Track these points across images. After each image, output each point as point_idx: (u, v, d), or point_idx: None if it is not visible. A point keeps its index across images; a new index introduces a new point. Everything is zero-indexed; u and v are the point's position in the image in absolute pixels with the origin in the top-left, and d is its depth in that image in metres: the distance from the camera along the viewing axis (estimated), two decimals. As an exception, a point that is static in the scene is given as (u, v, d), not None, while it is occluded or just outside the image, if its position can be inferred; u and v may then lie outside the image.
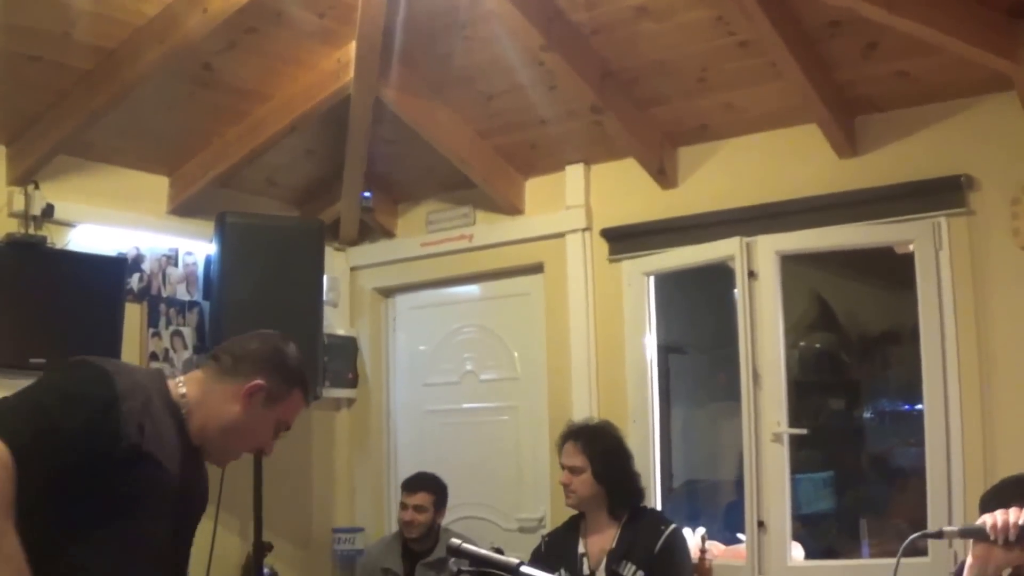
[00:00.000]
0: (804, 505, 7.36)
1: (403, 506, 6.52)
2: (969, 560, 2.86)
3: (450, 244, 7.52)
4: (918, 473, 5.97)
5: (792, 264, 6.24)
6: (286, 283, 6.43)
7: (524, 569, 2.41)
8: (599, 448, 5.46)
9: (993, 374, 5.65)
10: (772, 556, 5.98)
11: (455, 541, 2.47)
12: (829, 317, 8.38)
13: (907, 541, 2.93)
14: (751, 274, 6.17)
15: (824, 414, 8.18)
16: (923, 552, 5.70)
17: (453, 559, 2.47)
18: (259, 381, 3.27)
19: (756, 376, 6.10)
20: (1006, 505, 4.45)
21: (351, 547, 7.41)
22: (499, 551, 2.45)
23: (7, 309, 5.82)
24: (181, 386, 3.20)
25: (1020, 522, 2.76)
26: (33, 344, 5.85)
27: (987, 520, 2.79)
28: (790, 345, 6.28)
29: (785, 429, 6.03)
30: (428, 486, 6.53)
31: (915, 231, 5.87)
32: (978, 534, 2.82)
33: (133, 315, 6.55)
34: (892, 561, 6.23)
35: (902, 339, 7.28)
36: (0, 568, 2.53)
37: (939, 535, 2.85)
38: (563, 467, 5.47)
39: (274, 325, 6.14)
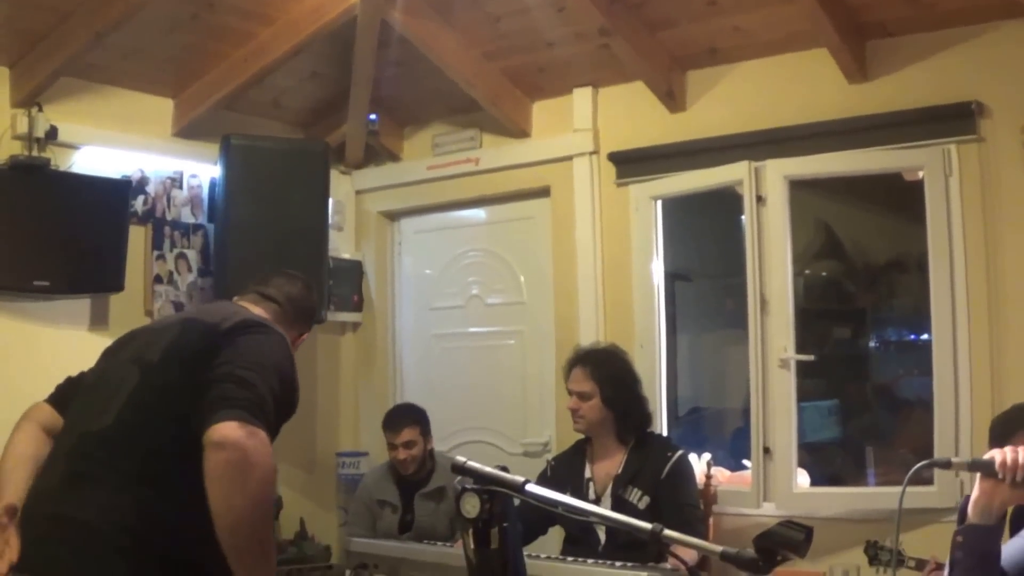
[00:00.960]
0: (809, 433, 7.35)
1: (391, 446, 6.40)
2: (975, 493, 2.84)
3: (456, 167, 7.47)
4: (924, 403, 5.96)
5: (799, 192, 6.19)
6: (291, 206, 6.43)
7: (530, 487, 2.39)
8: (607, 373, 5.42)
9: (1002, 304, 5.63)
10: (778, 482, 5.99)
11: (460, 459, 2.45)
12: (835, 246, 8.34)
13: (915, 468, 2.90)
14: (759, 199, 6.13)
15: (829, 343, 8.15)
16: (928, 481, 5.71)
17: (458, 479, 2.43)
18: (306, 334, 3.80)
19: (763, 302, 6.08)
20: (1014, 432, 4.45)
21: (355, 471, 7.41)
22: (504, 469, 2.42)
23: (10, 232, 5.78)
24: None
25: None
26: (37, 267, 5.86)
27: (997, 456, 2.76)
28: (796, 273, 6.25)
29: (792, 355, 6.02)
30: (410, 420, 6.43)
31: (925, 158, 5.83)
32: (987, 469, 2.79)
33: (137, 238, 6.53)
34: (897, 489, 6.28)
35: (908, 268, 7.25)
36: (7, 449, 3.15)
37: (947, 465, 2.82)
38: (571, 392, 5.42)
39: (279, 248, 6.27)
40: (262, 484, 2.84)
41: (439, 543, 5.08)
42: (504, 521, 2.37)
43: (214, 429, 2.82)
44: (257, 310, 3.61)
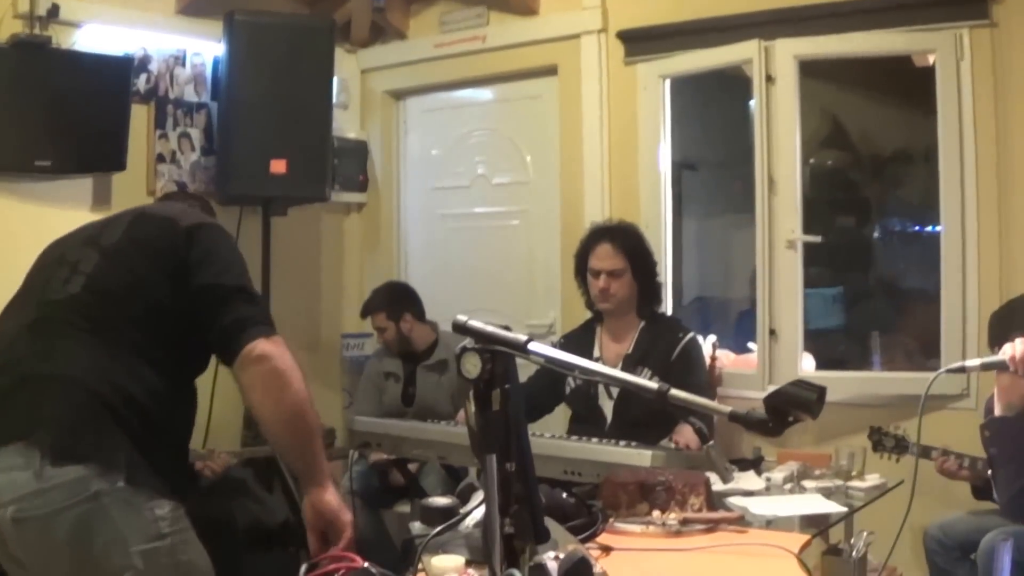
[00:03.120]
0: (813, 320, 7.34)
1: (375, 331, 6.60)
2: (996, 392, 2.82)
3: (463, 45, 7.37)
4: (928, 293, 5.94)
5: (806, 79, 6.12)
6: (295, 84, 6.35)
7: (532, 346, 2.35)
8: (635, 245, 5.39)
9: (1012, 194, 5.62)
10: (783, 365, 5.99)
11: (461, 317, 2.40)
12: (841, 135, 8.31)
13: (936, 375, 2.86)
14: (769, 79, 6.06)
15: (834, 232, 8.13)
16: (935, 368, 5.71)
17: (462, 345, 2.38)
18: None
19: (771, 183, 6.04)
20: (1012, 327, 4.43)
21: (360, 352, 7.41)
22: (507, 329, 2.37)
23: (12, 111, 5.69)
24: None
25: None
26: (38, 146, 5.77)
27: (1007, 351, 2.73)
28: (802, 162, 6.20)
29: (799, 236, 5.99)
30: (375, 306, 6.51)
31: (937, 41, 5.77)
32: (1000, 367, 2.76)
33: (140, 117, 6.45)
34: (901, 375, 6.30)
35: (915, 159, 7.21)
36: None
37: (961, 370, 2.80)
38: (599, 271, 5.31)
39: (283, 127, 6.22)
40: (301, 383, 3.05)
41: (441, 422, 5.05)
42: (507, 382, 2.32)
43: (251, 348, 3.00)
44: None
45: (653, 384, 2.43)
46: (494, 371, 2.30)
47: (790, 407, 2.28)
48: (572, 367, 2.57)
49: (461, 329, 2.39)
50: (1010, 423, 2.79)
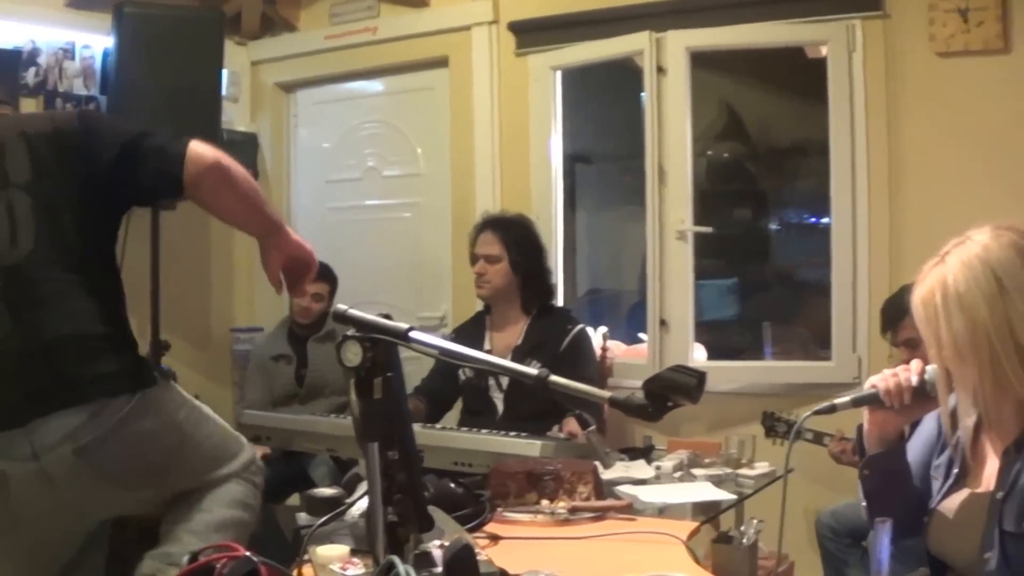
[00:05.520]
0: (708, 311, 7.39)
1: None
2: (867, 426, 2.81)
3: (354, 37, 7.32)
4: (823, 284, 6.00)
5: (703, 71, 6.15)
6: (185, 77, 6.27)
7: (413, 334, 2.33)
8: (516, 237, 5.40)
9: (903, 186, 5.69)
10: (674, 355, 5.99)
11: (341, 307, 2.38)
12: (737, 127, 8.36)
13: (802, 419, 2.85)
14: (660, 70, 6.09)
15: (730, 223, 8.18)
16: (827, 357, 5.79)
17: (344, 334, 2.36)
18: None
19: (662, 174, 6.07)
20: (903, 315, 4.48)
21: (250, 347, 7.34)
22: (388, 317, 2.35)
23: None
24: None
25: (912, 382, 2.69)
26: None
27: (879, 385, 2.71)
28: (698, 154, 6.23)
29: (689, 227, 6.02)
30: (328, 275, 6.51)
31: (829, 32, 5.83)
32: (872, 401, 2.75)
33: (29, 110, 6.30)
34: (792, 364, 6.36)
35: (811, 152, 7.27)
36: None
37: (832, 409, 2.77)
38: (478, 256, 5.38)
39: (172, 120, 6.11)
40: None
41: (333, 396, 5.05)
42: (388, 371, 2.31)
43: (198, 155, 3.12)
44: None
45: (533, 370, 2.42)
46: (375, 359, 2.28)
47: (669, 392, 2.28)
48: (451, 354, 2.56)
49: (341, 318, 2.37)
50: (888, 458, 2.79)
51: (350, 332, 2.31)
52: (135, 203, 3.41)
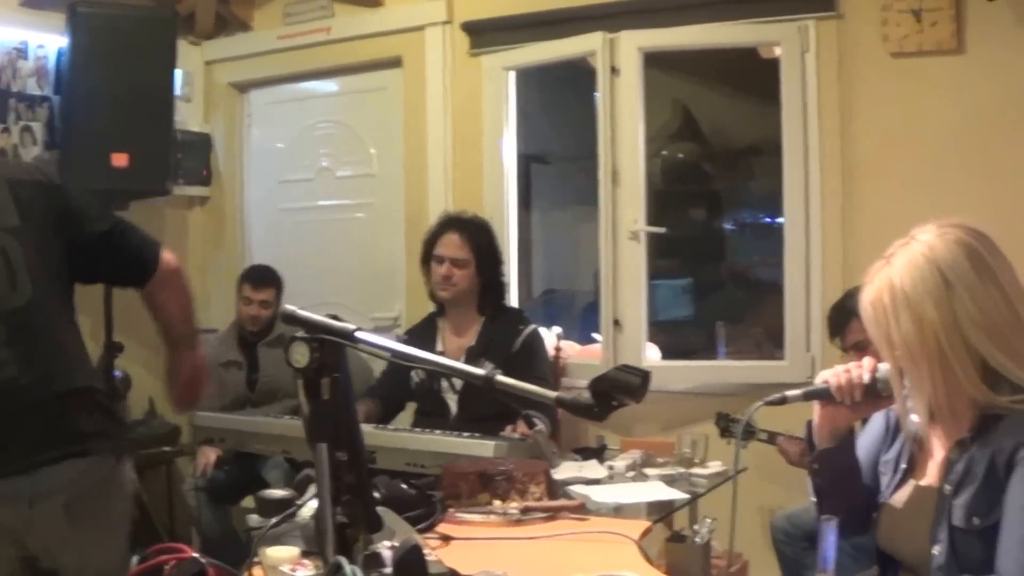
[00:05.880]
0: (663, 311, 7.40)
1: (247, 300, 6.46)
2: (817, 420, 2.81)
3: (308, 37, 7.30)
4: (778, 284, 6.03)
5: (657, 72, 6.16)
6: (138, 76, 6.23)
7: (360, 335, 2.32)
8: (484, 242, 5.37)
9: (856, 187, 5.70)
10: (627, 355, 5.99)
11: (289, 308, 2.37)
12: (692, 127, 8.38)
13: (754, 407, 2.86)
14: (613, 71, 6.08)
15: (685, 223, 8.20)
16: (780, 356, 5.83)
17: (291, 335, 2.36)
18: None
19: (615, 174, 6.06)
20: (849, 319, 4.50)
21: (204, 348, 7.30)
22: (335, 317, 2.35)
23: None
24: None
25: (864, 380, 2.70)
26: None
27: (831, 380, 2.72)
28: (653, 154, 6.24)
29: (643, 227, 6.01)
30: (274, 281, 6.49)
31: (782, 33, 5.85)
32: (823, 396, 2.76)
33: (-18, 111, 6.32)
34: (745, 363, 6.38)
35: (766, 152, 7.30)
36: None
37: (782, 401, 2.78)
38: (443, 258, 5.29)
39: (125, 120, 6.11)
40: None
41: (287, 399, 5.05)
42: (336, 372, 2.30)
43: (167, 261, 3.52)
44: None
45: (480, 370, 2.42)
46: (323, 360, 2.28)
47: (614, 391, 2.29)
48: (399, 355, 2.56)
49: (289, 319, 2.37)
50: (837, 453, 2.79)
51: (298, 333, 2.30)
52: (99, 280, 3.88)
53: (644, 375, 2.26)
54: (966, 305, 2.46)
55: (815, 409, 2.82)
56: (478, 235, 5.37)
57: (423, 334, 5.42)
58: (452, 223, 5.42)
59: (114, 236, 3.47)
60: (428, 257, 5.40)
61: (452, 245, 5.30)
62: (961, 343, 2.47)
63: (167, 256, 3.53)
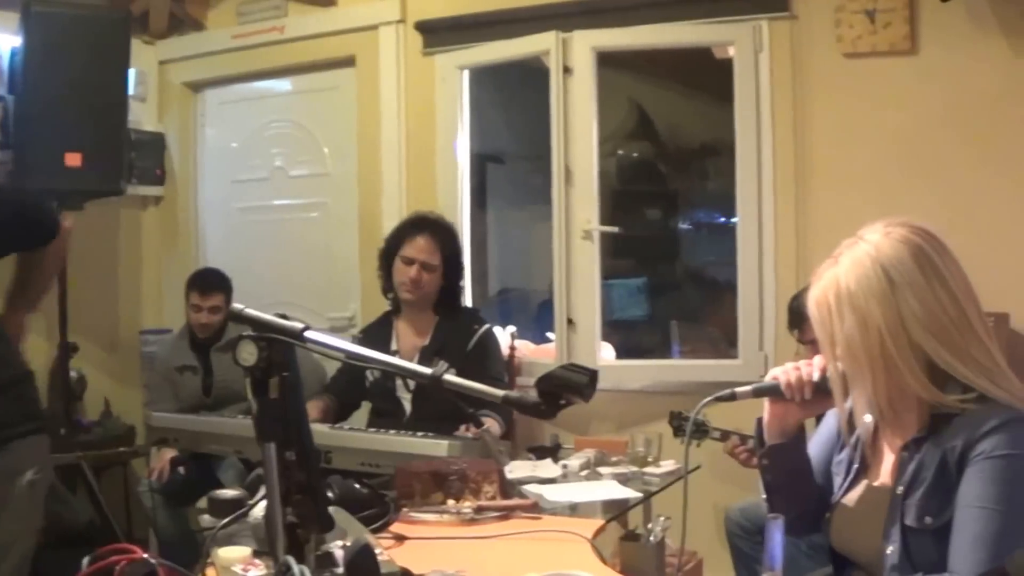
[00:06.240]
0: (618, 310, 7.41)
1: (196, 308, 6.36)
2: (767, 417, 2.83)
3: (261, 36, 7.28)
4: (733, 283, 6.04)
5: (612, 72, 6.17)
6: (92, 76, 6.23)
7: (309, 334, 2.32)
8: (453, 249, 5.39)
9: (809, 186, 5.73)
10: (581, 354, 6.01)
11: (237, 306, 2.36)
12: (647, 127, 8.39)
13: (700, 405, 2.86)
14: (566, 70, 6.10)
15: (640, 223, 8.21)
16: (734, 356, 5.87)
17: (239, 335, 2.35)
18: None
19: (568, 174, 6.08)
20: (799, 324, 4.52)
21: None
22: (284, 317, 2.34)
23: None
24: None
25: (814, 378, 2.71)
26: None
27: (781, 377, 2.73)
28: (608, 154, 6.25)
29: (596, 227, 6.02)
30: (222, 286, 6.41)
31: (735, 33, 5.87)
32: (773, 392, 2.77)
33: (-64, 111, 6.27)
34: (699, 362, 6.40)
35: (721, 152, 7.33)
36: None
37: (732, 396, 2.78)
38: (412, 260, 5.25)
39: (79, 119, 6.10)
40: None
41: (243, 402, 5.03)
42: (284, 370, 2.30)
43: (64, 223, 3.84)
44: None
45: (427, 370, 2.43)
46: (271, 359, 2.27)
47: (562, 390, 2.30)
48: (350, 355, 2.56)
49: (237, 318, 2.36)
50: (786, 449, 2.80)
51: (246, 332, 2.30)
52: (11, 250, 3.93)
53: (592, 374, 2.27)
54: (911, 304, 2.47)
55: (765, 406, 2.84)
56: (449, 241, 5.38)
57: (378, 333, 5.42)
58: (423, 225, 5.39)
59: (14, 202, 3.80)
60: (391, 255, 5.38)
61: (424, 249, 5.28)
62: (906, 342, 2.48)
63: (65, 218, 3.88)
